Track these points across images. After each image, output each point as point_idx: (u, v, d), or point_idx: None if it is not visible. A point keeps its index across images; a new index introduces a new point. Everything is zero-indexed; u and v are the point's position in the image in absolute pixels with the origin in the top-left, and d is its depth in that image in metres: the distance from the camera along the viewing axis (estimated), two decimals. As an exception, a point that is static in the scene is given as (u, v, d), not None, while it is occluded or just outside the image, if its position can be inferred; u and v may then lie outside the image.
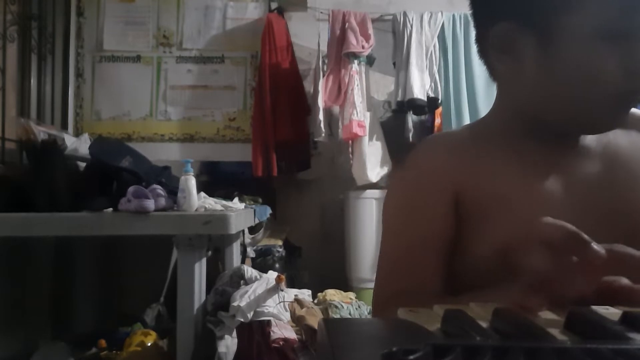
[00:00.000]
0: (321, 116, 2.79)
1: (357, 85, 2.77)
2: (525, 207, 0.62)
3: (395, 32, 2.93)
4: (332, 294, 2.17)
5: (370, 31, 2.85)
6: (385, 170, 2.87)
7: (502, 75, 0.67)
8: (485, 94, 2.86)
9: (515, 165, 0.65)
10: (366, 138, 2.80)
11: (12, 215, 1.75)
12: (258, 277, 1.93)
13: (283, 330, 1.72)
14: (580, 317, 0.35)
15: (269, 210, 2.52)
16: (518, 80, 0.64)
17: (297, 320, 1.81)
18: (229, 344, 1.72)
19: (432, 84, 2.87)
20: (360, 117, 2.74)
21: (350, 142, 2.85)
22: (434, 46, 2.89)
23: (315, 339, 1.67)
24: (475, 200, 0.64)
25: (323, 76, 2.84)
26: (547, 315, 0.38)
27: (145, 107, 2.93)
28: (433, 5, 3.00)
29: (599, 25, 0.56)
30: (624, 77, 0.57)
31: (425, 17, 2.90)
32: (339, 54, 2.80)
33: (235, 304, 1.74)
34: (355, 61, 2.79)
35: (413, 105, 2.82)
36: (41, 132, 2.26)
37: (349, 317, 1.97)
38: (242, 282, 1.91)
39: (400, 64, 2.87)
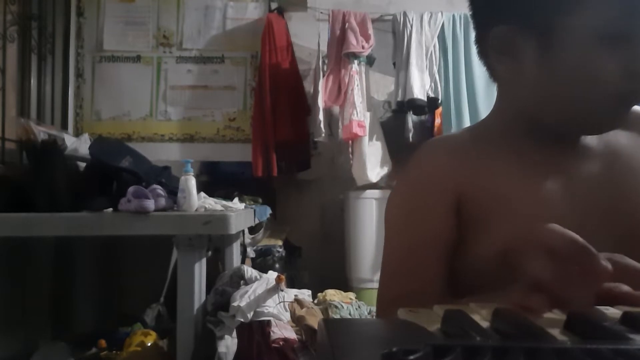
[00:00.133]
0: (321, 116, 2.79)
1: (357, 85, 2.77)
2: (527, 207, 0.62)
3: (395, 32, 2.93)
4: (332, 294, 2.17)
5: (370, 31, 2.85)
6: (385, 170, 2.87)
7: (502, 76, 0.67)
8: (485, 94, 2.86)
9: (516, 166, 0.65)
10: (366, 138, 2.80)
11: (12, 215, 1.75)
12: (258, 277, 1.93)
13: (283, 330, 1.72)
14: (580, 317, 0.35)
15: (269, 210, 2.52)
16: (518, 82, 0.64)
17: (297, 320, 1.81)
18: (229, 344, 1.72)
19: (432, 84, 2.87)
20: (360, 117, 2.74)
21: (350, 142, 2.85)
22: (434, 46, 2.89)
23: (315, 339, 1.67)
24: (476, 202, 0.64)
25: (323, 76, 2.84)
26: (547, 315, 0.39)
27: (145, 107, 2.93)
28: (433, 5, 3.01)
29: (598, 27, 0.56)
30: (623, 78, 0.57)
31: (425, 17, 2.90)
32: (339, 54, 2.80)
33: (235, 304, 1.74)
34: (355, 61, 2.79)
35: (413, 105, 2.82)
36: (41, 132, 2.26)
37: (349, 317, 1.97)
38: (242, 282, 1.91)
39: (400, 64, 2.87)
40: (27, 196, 1.81)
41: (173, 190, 1.90)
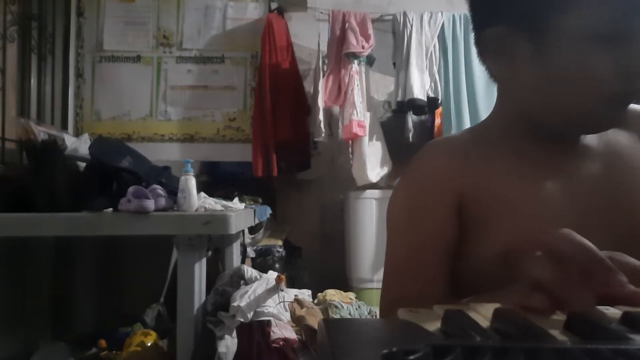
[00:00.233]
0: (321, 116, 2.79)
1: (357, 85, 2.77)
2: (527, 208, 0.62)
3: (395, 32, 2.93)
4: (332, 294, 2.17)
5: (370, 31, 2.85)
6: (385, 170, 2.87)
7: (501, 77, 0.67)
8: (485, 94, 2.86)
9: (517, 166, 0.65)
10: (366, 138, 2.80)
11: (12, 215, 1.75)
12: (258, 277, 1.93)
13: (283, 330, 1.72)
14: (580, 317, 0.35)
15: (269, 210, 2.52)
16: (515, 82, 0.65)
17: (297, 320, 1.81)
18: (229, 344, 1.72)
19: (432, 84, 2.87)
20: (360, 117, 2.74)
21: (350, 142, 2.85)
22: (434, 46, 2.89)
23: (315, 339, 1.67)
24: (477, 202, 0.64)
25: (323, 76, 2.84)
26: (547, 315, 0.38)
27: (145, 107, 2.93)
28: (433, 5, 3.01)
29: (591, 26, 0.56)
30: (617, 78, 0.57)
31: (425, 17, 2.90)
32: (339, 54, 2.80)
33: (235, 304, 1.74)
34: (355, 61, 2.79)
35: (413, 105, 2.82)
36: (41, 132, 2.26)
37: (349, 317, 1.97)
38: (242, 282, 1.91)
39: (400, 64, 2.87)
40: (27, 196, 1.80)
41: (173, 190, 1.90)
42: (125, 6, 2.94)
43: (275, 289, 1.84)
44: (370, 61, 2.90)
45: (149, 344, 1.96)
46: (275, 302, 1.81)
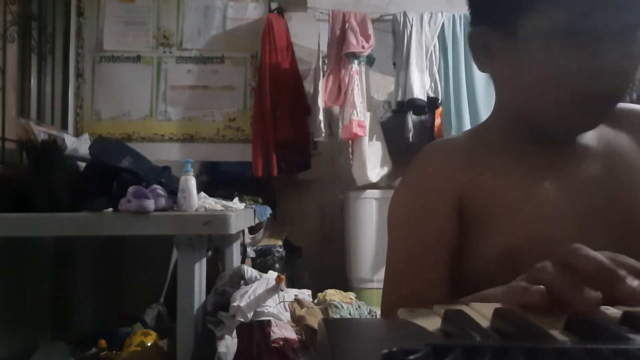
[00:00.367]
0: (321, 116, 2.79)
1: (357, 85, 2.77)
2: (528, 209, 0.62)
3: (395, 32, 2.93)
4: (332, 294, 2.17)
5: (370, 31, 2.85)
6: (385, 170, 2.87)
7: (492, 77, 0.69)
8: (485, 94, 2.86)
9: (517, 167, 0.65)
10: (366, 138, 2.80)
11: (12, 215, 1.75)
12: (258, 277, 1.93)
13: (283, 330, 1.72)
14: (580, 317, 0.35)
15: (269, 210, 2.52)
16: (499, 80, 0.67)
17: (297, 320, 1.81)
18: (229, 344, 1.72)
19: (432, 84, 2.87)
20: (360, 117, 2.74)
21: (350, 142, 2.85)
22: (434, 46, 2.89)
23: (315, 339, 1.67)
24: (478, 204, 0.64)
25: (323, 76, 2.84)
26: (547, 315, 0.38)
27: (145, 107, 2.93)
28: (433, 5, 3.01)
29: (557, 26, 0.56)
30: (583, 77, 0.57)
31: (425, 17, 2.90)
32: (339, 54, 2.80)
33: (235, 304, 1.74)
34: (355, 61, 2.79)
35: (413, 105, 2.82)
36: (41, 132, 2.26)
37: (349, 317, 1.97)
38: (242, 282, 1.91)
39: (400, 64, 2.87)
40: (27, 196, 1.80)
41: (173, 190, 1.90)
42: (125, 6, 2.94)
43: (275, 289, 1.84)
44: (370, 61, 2.90)
45: (149, 344, 1.96)
46: (275, 302, 1.81)
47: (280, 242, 2.69)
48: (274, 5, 2.98)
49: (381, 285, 0.70)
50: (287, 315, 1.82)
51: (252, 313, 1.74)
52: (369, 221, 2.81)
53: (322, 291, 2.21)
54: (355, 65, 2.78)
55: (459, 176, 0.65)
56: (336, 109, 2.88)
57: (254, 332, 1.72)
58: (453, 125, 2.84)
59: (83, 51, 2.93)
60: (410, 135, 2.97)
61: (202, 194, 2.03)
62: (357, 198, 2.85)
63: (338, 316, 1.95)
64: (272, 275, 1.94)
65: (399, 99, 2.85)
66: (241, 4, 2.98)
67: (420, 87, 2.81)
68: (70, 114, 2.88)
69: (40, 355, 1.97)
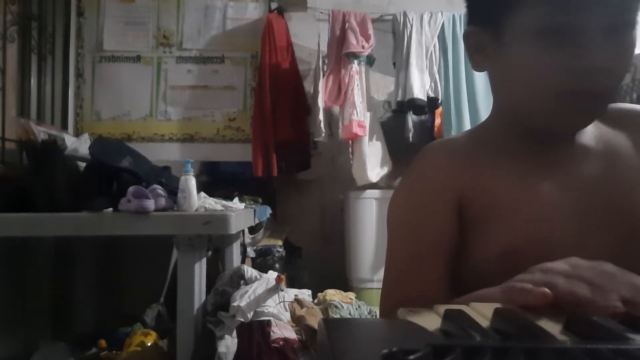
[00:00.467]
0: (321, 116, 2.78)
1: (357, 85, 2.77)
2: (528, 209, 0.62)
3: (395, 32, 2.92)
4: (332, 294, 2.17)
5: (370, 31, 2.85)
6: (385, 170, 2.87)
7: (488, 77, 0.69)
8: (485, 94, 2.86)
9: (517, 167, 0.65)
10: (366, 138, 2.80)
11: (12, 215, 1.75)
12: (258, 277, 1.93)
13: (283, 330, 1.72)
14: (580, 317, 0.35)
15: (269, 210, 2.52)
16: (493, 82, 0.68)
17: (297, 320, 1.81)
18: (229, 344, 1.72)
19: (432, 84, 2.86)
20: (360, 117, 2.74)
21: (350, 142, 2.85)
22: (434, 46, 2.89)
23: (315, 339, 1.67)
24: (478, 204, 0.64)
25: (323, 76, 2.84)
26: (547, 315, 0.38)
27: (145, 107, 2.93)
28: (433, 5, 3.00)
29: (538, 25, 0.57)
30: (564, 76, 0.57)
31: (425, 17, 2.90)
32: (339, 54, 2.80)
33: (235, 304, 1.74)
34: (355, 61, 2.79)
35: (413, 105, 2.82)
36: (41, 132, 2.26)
37: (349, 317, 1.97)
38: (242, 282, 1.91)
39: (400, 64, 2.87)
40: (27, 196, 1.80)
41: (173, 190, 1.90)
42: (125, 6, 2.94)
43: (275, 289, 1.84)
44: (370, 61, 2.90)
45: (149, 344, 1.96)
46: (275, 302, 1.81)
47: (280, 242, 2.69)
48: (274, 5, 2.97)
49: (381, 285, 0.70)
50: (287, 315, 1.82)
51: (252, 313, 1.74)
52: (369, 221, 2.81)
53: (322, 291, 2.21)
54: (355, 65, 2.78)
55: (459, 176, 0.65)
56: (336, 109, 2.88)
57: (254, 332, 1.72)
58: (453, 125, 2.84)
59: (83, 51, 2.93)
60: (410, 135, 2.96)
61: (202, 194, 2.03)
62: (357, 198, 2.85)
63: (338, 316, 1.95)
64: (272, 275, 1.94)
65: (399, 99, 2.85)
66: (241, 4, 2.98)
67: (420, 87, 2.80)
68: (70, 114, 2.88)
69: (40, 355, 1.97)
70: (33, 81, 2.65)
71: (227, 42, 2.96)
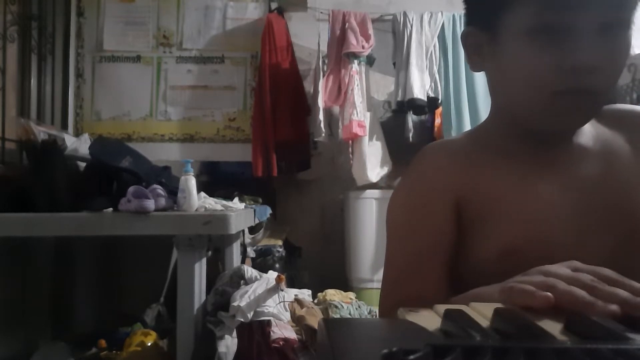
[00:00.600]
0: (321, 116, 2.78)
1: (357, 85, 2.76)
2: (527, 209, 0.62)
3: (395, 32, 2.92)
4: (332, 294, 2.17)
5: (370, 31, 2.85)
6: (385, 170, 2.87)
7: (486, 78, 0.69)
8: (485, 94, 2.86)
9: (516, 168, 0.65)
10: (366, 138, 2.80)
11: (12, 215, 1.75)
12: (258, 277, 1.93)
13: (283, 330, 1.72)
14: (580, 317, 0.35)
15: (269, 210, 2.52)
16: (490, 82, 0.68)
17: (297, 320, 1.81)
18: (229, 344, 1.72)
19: (432, 84, 2.86)
20: (360, 117, 2.74)
21: (350, 142, 2.85)
22: (434, 46, 2.89)
23: (315, 339, 1.67)
24: (477, 204, 0.64)
25: (323, 76, 2.84)
26: (547, 315, 0.38)
27: (145, 107, 2.93)
28: (433, 5, 3.00)
29: (530, 23, 0.57)
30: (555, 75, 0.57)
31: (425, 17, 2.90)
32: (339, 54, 2.80)
33: (235, 304, 1.74)
34: (355, 61, 2.79)
35: (413, 105, 2.82)
36: (41, 132, 2.25)
37: (349, 317, 1.97)
38: (242, 282, 1.91)
39: (400, 64, 2.87)
40: (27, 196, 1.80)
41: (173, 190, 1.90)
42: (125, 6, 2.94)
43: (275, 289, 1.84)
44: (370, 61, 2.90)
45: (149, 344, 1.96)
46: (275, 302, 1.81)
47: (280, 242, 2.69)
48: (274, 5, 2.97)
49: (380, 288, 0.70)
50: (287, 315, 1.82)
51: (252, 313, 1.74)
52: (369, 221, 2.81)
53: (322, 291, 2.21)
54: (355, 65, 2.78)
55: (459, 176, 0.65)
56: (336, 109, 2.88)
57: (254, 332, 1.72)
58: (453, 125, 2.84)
59: (83, 51, 2.93)
60: (410, 135, 2.96)
61: (202, 194, 2.03)
62: (357, 198, 2.85)
63: (338, 316, 1.95)
64: (272, 275, 1.94)
65: (399, 99, 2.85)
66: (241, 4, 2.98)
67: (420, 87, 2.80)
68: (70, 114, 2.88)
69: (40, 355, 1.97)
70: (33, 81, 2.65)
71: (227, 42, 2.96)
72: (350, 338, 0.35)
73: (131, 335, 2.03)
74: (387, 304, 0.67)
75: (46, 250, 2.40)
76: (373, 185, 2.85)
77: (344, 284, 2.75)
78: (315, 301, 2.10)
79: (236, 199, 2.26)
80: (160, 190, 1.82)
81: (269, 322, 1.74)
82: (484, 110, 2.81)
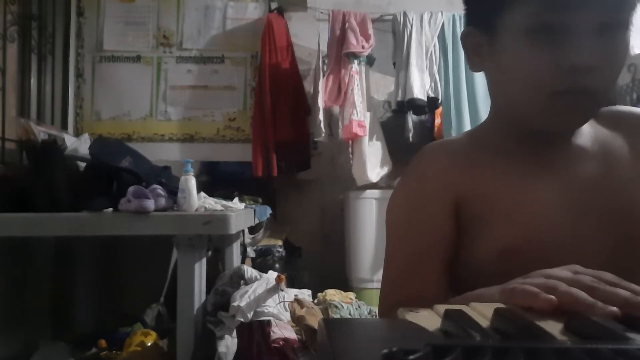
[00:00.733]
0: (321, 116, 2.78)
1: (357, 85, 2.77)
2: (526, 209, 0.62)
3: (395, 32, 2.92)
4: (332, 294, 2.17)
5: (370, 31, 2.85)
6: (385, 170, 2.87)
7: (485, 78, 0.69)
8: (485, 94, 2.85)
9: (516, 168, 0.65)
10: (366, 138, 2.80)
11: (12, 215, 1.75)
12: (258, 277, 1.93)
13: (283, 330, 1.72)
14: (580, 317, 0.35)
15: (269, 210, 2.52)
16: (489, 83, 0.68)
17: (297, 320, 1.81)
18: (229, 344, 1.72)
19: (432, 84, 2.86)
20: (360, 117, 2.74)
21: (350, 142, 2.85)
22: (434, 46, 2.89)
23: (315, 339, 1.67)
24: (476, 204, 0.64)
25: (323, 76, 2.84)
26: (547, 315, 0.38)
27: (145, 107, 2.93)
28: (433, 5, 3.00)
29: (528, 23, 0.57)
30: (553, 74, 0.57)
31: (425, 17, 2.90)
32: (339, 54, 2.80)
33: (235, 304, 1.74)
34: (355, 61, 2.79)
35: (413, 105, 2.82)
36: (41, 132, 2.25)
37: (349, 317, 1.97)
38: (242, 282, 1.91)
39: (400, 64, 2.87)
40: (27, 196, 1.80)
41: (173, 190, 1.90)
42: (125, 6, 2.94)
43: (275, 289, 1.84)
44: (370, 61, 2.90)
45: (149, 344, 1.96)
46: (275, 302, 1.81)
47: (280, 242, 2.69)
48: (274, 5, 2.97)
49: (380, 288, 0.70)
50: (287, 315, 1.82)
51: (252, 313, 1.74)
52: (369, 221, 2.81)
53: (322, 291, 2.21)
54: (355, 65, 2.78)
55: (458, 176, 0.66)
56: (336, 109, 2.88)
57: (254, 332, 1.72)
58: (453, 125, 2.84)
59: (83, 51, 2.93)
60: (410, 135, 2.96)
61: (202, 194, 2.03)
62: (357, 198, 2.85)
63: (338, 316, 1.95)
64: (272, 275, 1.94)
65: (399, 99, 2.85)
66: (241, 4, 2.98)
67: (420, 87, 2.80)
68: (70, 114, 2.88)
69: (40, 355, 1.97)
70: (33, 81, 2.65)
71: (227, 42, 2.96)
72: (350, 338, 0.35)
73: (131, 335, 2.02)
74: (387, 304, 0.67)
75: (46, 250, 2.40)
76: (373, 185, 2.85)
77: (344, 284, 2.75)
78: (315, 301, 2.10)
79: (236, 199, 2.26)
80: (160, 190, 1.82)
81: (269, 322, 1.74)
82: (484, 110, 2.81)
